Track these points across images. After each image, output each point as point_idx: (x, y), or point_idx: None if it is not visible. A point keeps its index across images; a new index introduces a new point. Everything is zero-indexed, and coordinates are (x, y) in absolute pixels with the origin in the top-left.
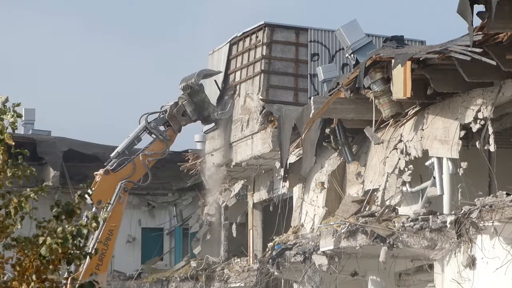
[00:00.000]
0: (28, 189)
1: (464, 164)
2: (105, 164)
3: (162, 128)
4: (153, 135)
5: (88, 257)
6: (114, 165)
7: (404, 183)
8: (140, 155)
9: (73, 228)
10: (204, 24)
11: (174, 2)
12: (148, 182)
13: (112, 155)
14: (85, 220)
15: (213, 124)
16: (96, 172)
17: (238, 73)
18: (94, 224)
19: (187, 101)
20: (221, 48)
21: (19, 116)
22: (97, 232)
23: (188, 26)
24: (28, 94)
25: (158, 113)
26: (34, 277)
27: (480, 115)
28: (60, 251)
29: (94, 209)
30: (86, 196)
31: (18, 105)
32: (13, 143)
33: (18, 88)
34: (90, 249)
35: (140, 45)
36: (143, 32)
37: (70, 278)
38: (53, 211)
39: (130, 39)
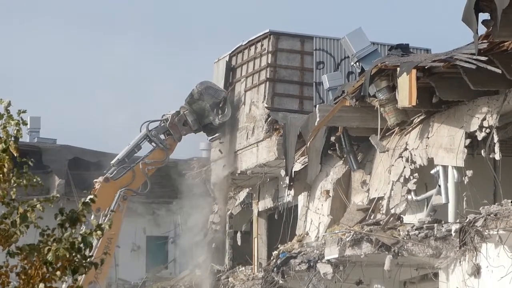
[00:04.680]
0: (35, 199)
1: (469, 173)
2: (104, 171)
3: (162, 136)
4: (153, 143)
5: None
6: (114, 173)
7: (409, 192)
8: (140, 163)
9: (79, 236)
10: (209, 32)
11: (178, 6)
12: (147, 191)
13: (112, 162)
14: (89, 228)
15: (217, 133)
16: (95, 180)
17: (243, 81)
18: (99, 232)
19: (189, 111)
20: (225, 57)
21: (25, 123)
22: (95, 241)
23: (194, 35)
24: (33, 102)
25: (159, 122)
26: (41, 285)
27: (485, 124)
28: (66, 257)
29: (92, 216)
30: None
31: (24, 111)
32: (17, 154)
33: (22, 96)
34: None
35: (148, 52)
36: (150, 39)
37: (74, 287)
38: (57, 219)
39: (137, 46)
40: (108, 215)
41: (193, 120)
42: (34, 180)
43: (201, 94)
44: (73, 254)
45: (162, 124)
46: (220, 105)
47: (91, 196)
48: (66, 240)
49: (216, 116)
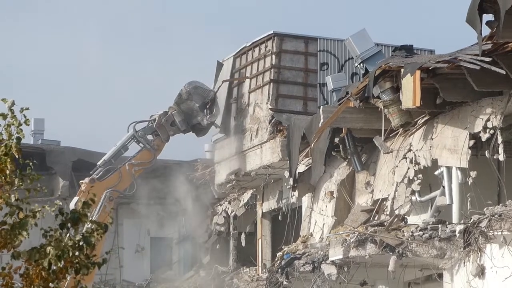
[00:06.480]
0: (36, 204)
1: (473, 173)
2: (91, 172)
3: (150, 137)
4: (140, 144)
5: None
6: (100, 174)
7: (413, 192)
8: (127, 164)
9: (79, 237)
10: (212, 32)
11: (179, 10)
12: (133, 192)
13: (98, 163)
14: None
15: (206, 133)
16: (81, 181)
17: (247, 83)
18: (100, 231)
19: (177, 111)
20: (230, 58)
21: (27, 123)
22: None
23: (197, 35)
24: (37, 103)
25: (147, 122)
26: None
27: (489, 124)
28: (63, 261)
29: None
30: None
31: (27, 109)
32: (17, 155)
33: (24, 97)
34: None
35: (148, 52)
36: (151, 40)
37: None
38: (57, 218)
39: (139, 47)
40: (96, 215)
41: (181, 120)
42: (38, 183)
43: (190, 94)
44: (75, 256)
45: (150, 125)
46: (208, 105)
47: (77, 197)
48: (58, 245)
49: (205, 116)
